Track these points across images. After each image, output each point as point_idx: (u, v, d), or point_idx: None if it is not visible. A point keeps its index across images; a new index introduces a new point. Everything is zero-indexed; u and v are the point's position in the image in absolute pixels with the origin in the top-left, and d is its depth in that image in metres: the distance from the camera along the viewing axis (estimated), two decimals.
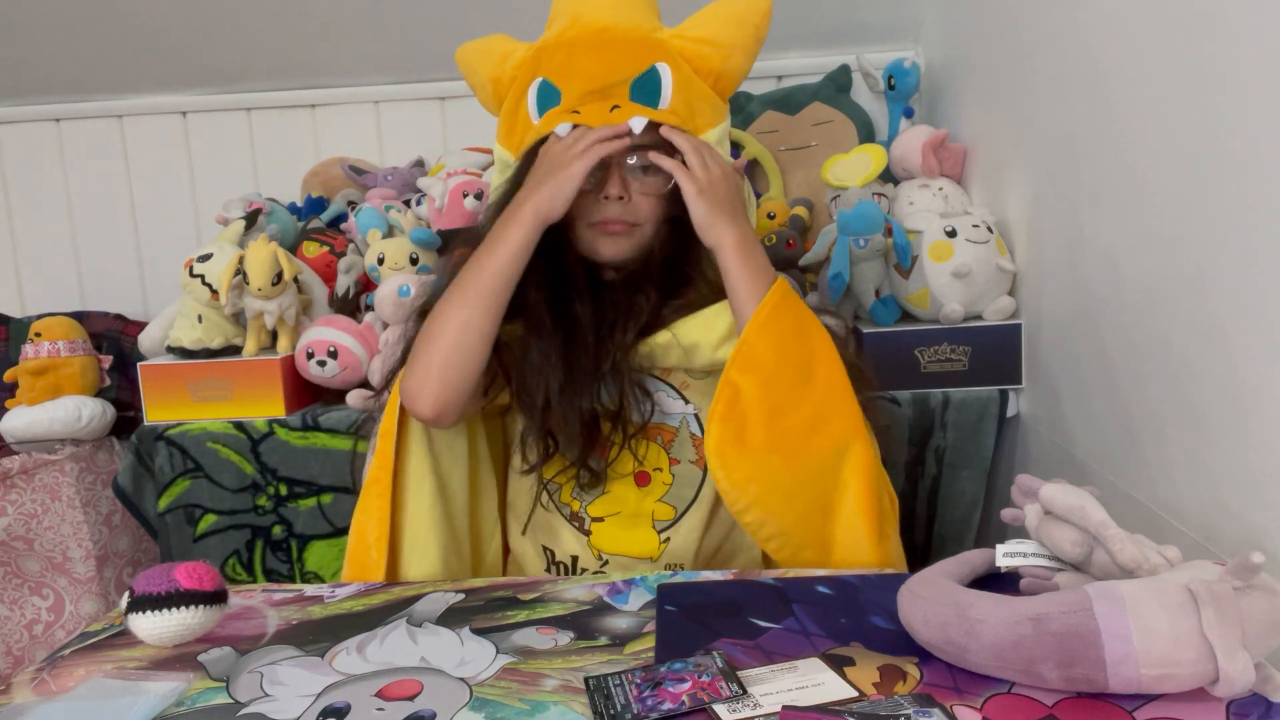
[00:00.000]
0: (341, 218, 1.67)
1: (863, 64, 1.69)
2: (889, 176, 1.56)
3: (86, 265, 1.98)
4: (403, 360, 0.99)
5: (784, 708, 0.59)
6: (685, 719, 0.60)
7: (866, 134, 1.67)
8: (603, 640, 0.72)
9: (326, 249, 1.57)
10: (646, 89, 0.95)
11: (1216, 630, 0.56)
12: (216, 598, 0.76)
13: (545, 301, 0.98)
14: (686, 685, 0.63)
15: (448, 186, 1.48)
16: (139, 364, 1.43)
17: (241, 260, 1.37)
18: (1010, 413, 1.31)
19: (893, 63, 1.65)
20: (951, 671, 0.64)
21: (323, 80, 1.88)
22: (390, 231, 1.52)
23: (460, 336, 0.93)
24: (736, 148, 1.62)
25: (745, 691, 0.62)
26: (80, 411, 1.52)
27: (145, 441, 1.40)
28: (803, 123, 1.69)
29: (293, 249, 1.58)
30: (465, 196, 1.46)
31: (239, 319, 1.45)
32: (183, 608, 0.74)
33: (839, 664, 0.65)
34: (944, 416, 1.30)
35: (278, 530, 1.41)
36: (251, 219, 1.55)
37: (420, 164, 1.76)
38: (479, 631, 0.75)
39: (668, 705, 0.60)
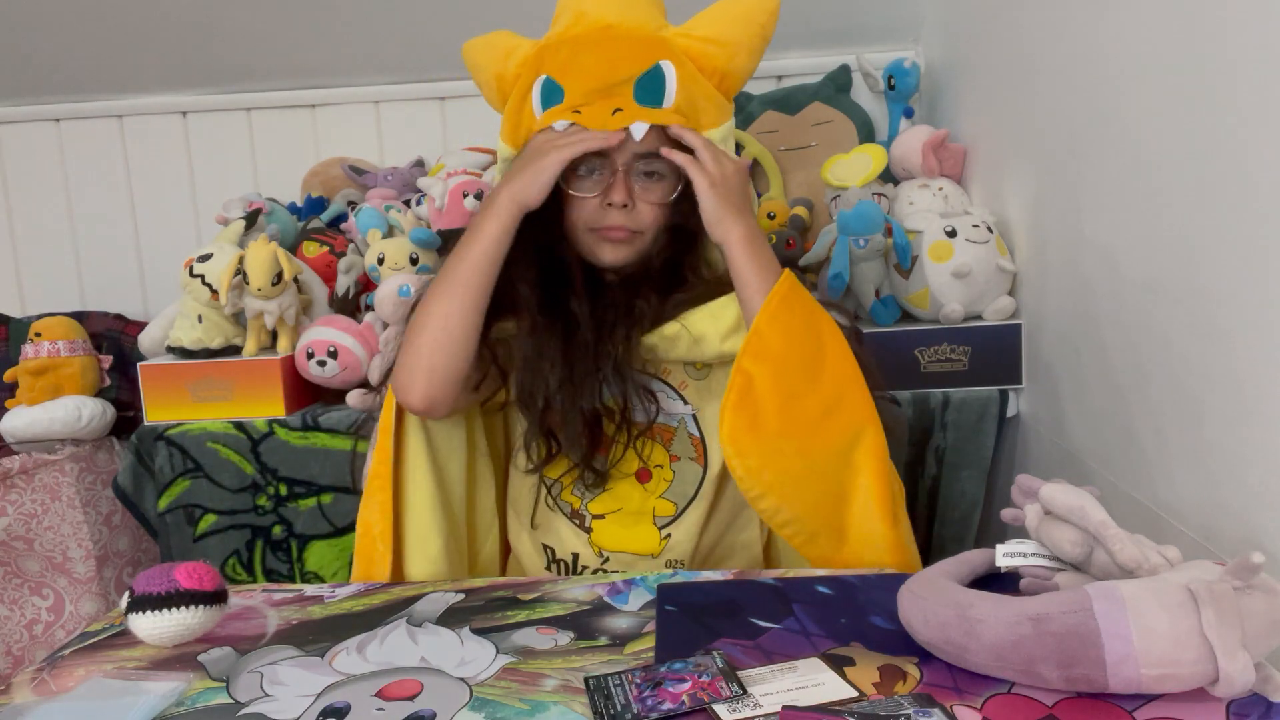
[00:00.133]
0: (341, 218, 1.67)
1: (863, 64, 1.69)
2: (889, 176, 1.56)
3: (86, 265, 1.98)
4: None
5: (784, 708, 0.58)
6: (685, 719, 0.60)
7: (866, 134, 1.67)
8: (603, 640, 0.72)
9: (326, 249, 1.57)
10: (650, 87, 0.95)
11: (1216, 630, 0.56)
12: (216, 598, 0.76)
13: (539, 299, 0.98)
14: (686, 685, 0.63)
15: (448, 186, 1.48)
16: (139, 364, 1.44)
17: (241, 260, 1.37)
18: (1010, 413, 1.31)
19: (893, 63, 1.65)
20: (951, 671, 0.64)
21: (323, 80, 1.88)
22: (390, 231, 1.52)
23: (443, 327, 0.93)
24: (737, 147, 1.62)
25: (745, 691, 0.62)
26: (80, 411, 1.52)
27: (145, 441, 1.40)
28: (803, 123, 1.69)
29: (293, 249, 1.58)
30: (465, 196, 1.46)
31: (239, 319, 1.45)
32: (183, 608, 0.74)
33: (839, 664, 0.65)
34: (944, 416, 1.30)
35: (278, 530, 1.41)
36: (251, 219, 1.55)
37: (420, 164, 1.76)
38: (479, 631, 0.75)
39: (668, 705, 0.60)
